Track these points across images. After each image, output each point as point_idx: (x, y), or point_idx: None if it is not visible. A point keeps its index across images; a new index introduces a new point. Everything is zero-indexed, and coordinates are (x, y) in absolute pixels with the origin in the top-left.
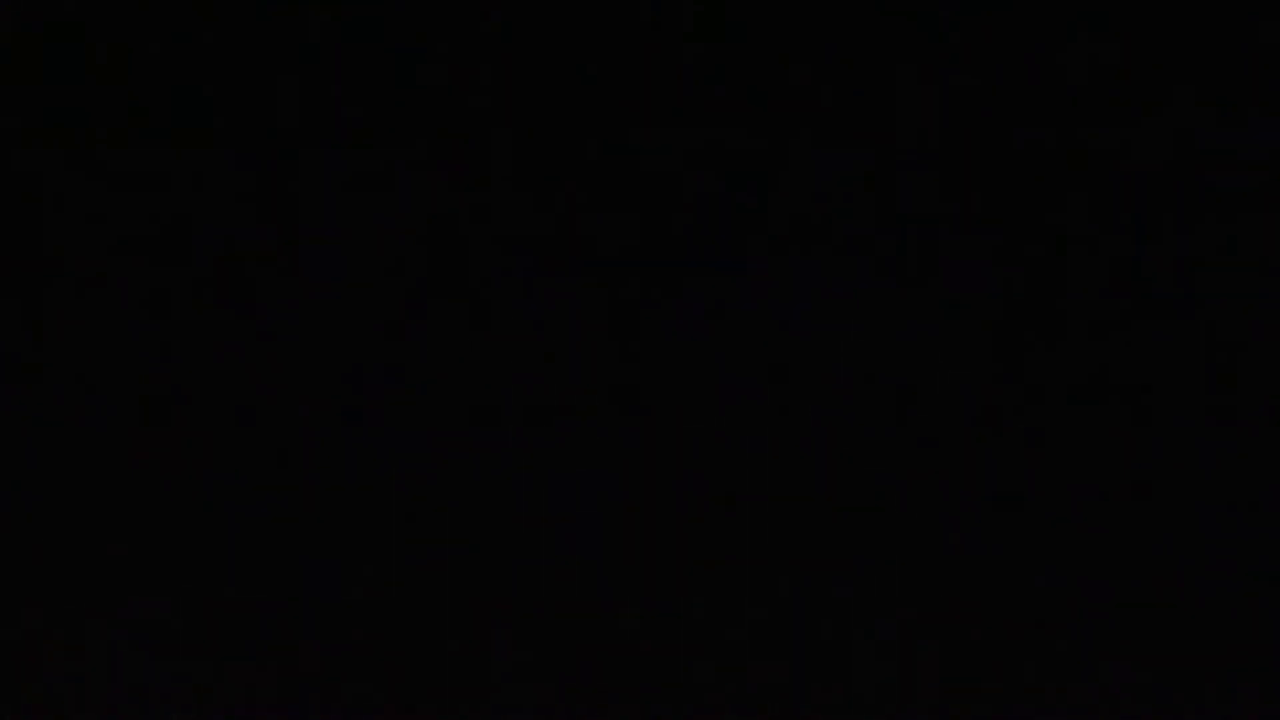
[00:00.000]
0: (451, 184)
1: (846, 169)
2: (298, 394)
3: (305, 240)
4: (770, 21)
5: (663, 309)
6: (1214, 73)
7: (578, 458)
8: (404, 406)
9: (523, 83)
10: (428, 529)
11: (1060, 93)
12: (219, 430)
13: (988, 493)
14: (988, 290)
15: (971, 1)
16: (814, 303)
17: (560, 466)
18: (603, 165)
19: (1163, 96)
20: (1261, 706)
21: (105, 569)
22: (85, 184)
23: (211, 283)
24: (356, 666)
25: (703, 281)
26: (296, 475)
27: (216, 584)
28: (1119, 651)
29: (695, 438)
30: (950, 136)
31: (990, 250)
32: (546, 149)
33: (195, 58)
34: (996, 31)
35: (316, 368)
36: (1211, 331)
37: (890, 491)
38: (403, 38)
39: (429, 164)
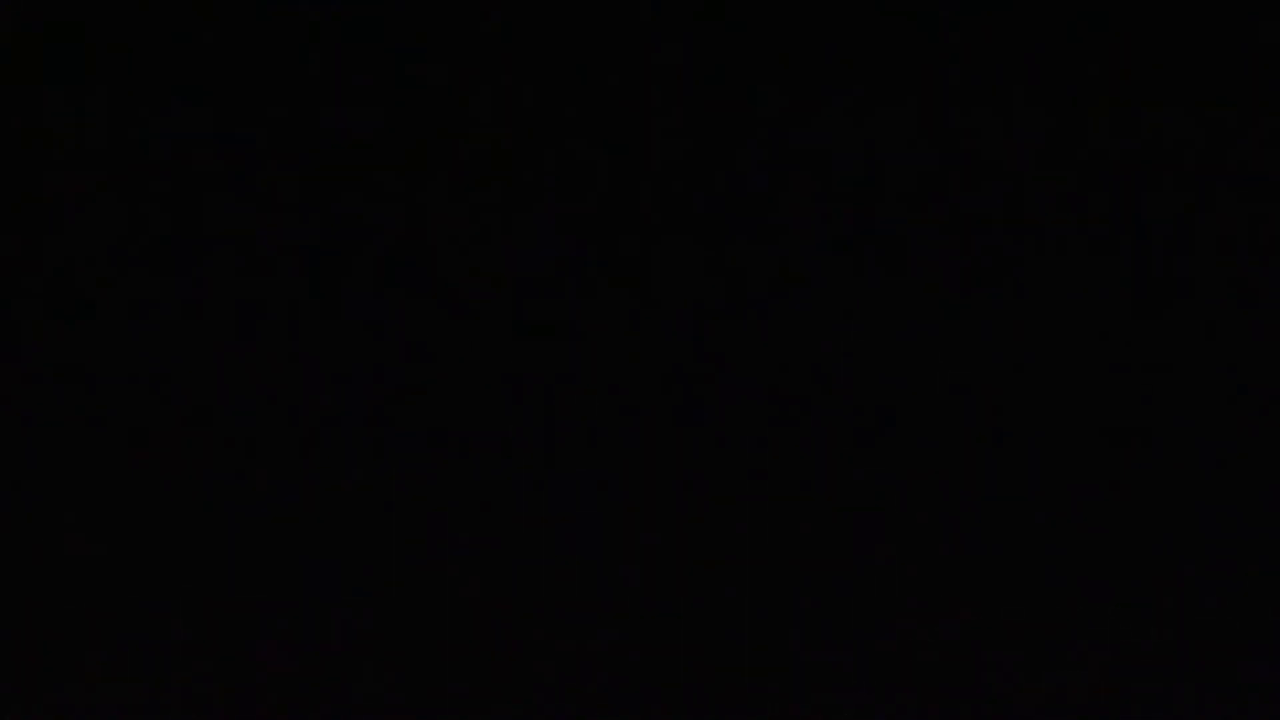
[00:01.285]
0: (448, 184)
1: (844, 168)
2: (296, 393)
3: (303, 237)
4: (769, 20)
5: (662, 309)
6: (1214, 73)
7: (578, 459)
8: (399, 408)
9: (519, 83)
10: (427, 531)
11: (1059, 92)
12: (218, 429)
13: (988, 493)
14: (986, 291)
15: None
16: (813, 303)
17: (560, 468)
18: (600, 166)
19: (1164, 97)
20: (1261, 706)
21: (105, 569)
22: (85, 184)
23: (211, 282)
24: (355, 667)
25: (701, 282)
26: (295, 478)
27: (216, 585)
28: (1117, 652)
29: (695, 438)
30: (947, 135)
31: (988, 252)
32: (540, 150)
33: (195, 57)
34: (994, 31)
35: (315, 367)
36: (1210, 332)
37: (890, 492)
38: (404, 38)
39: (425, 164)
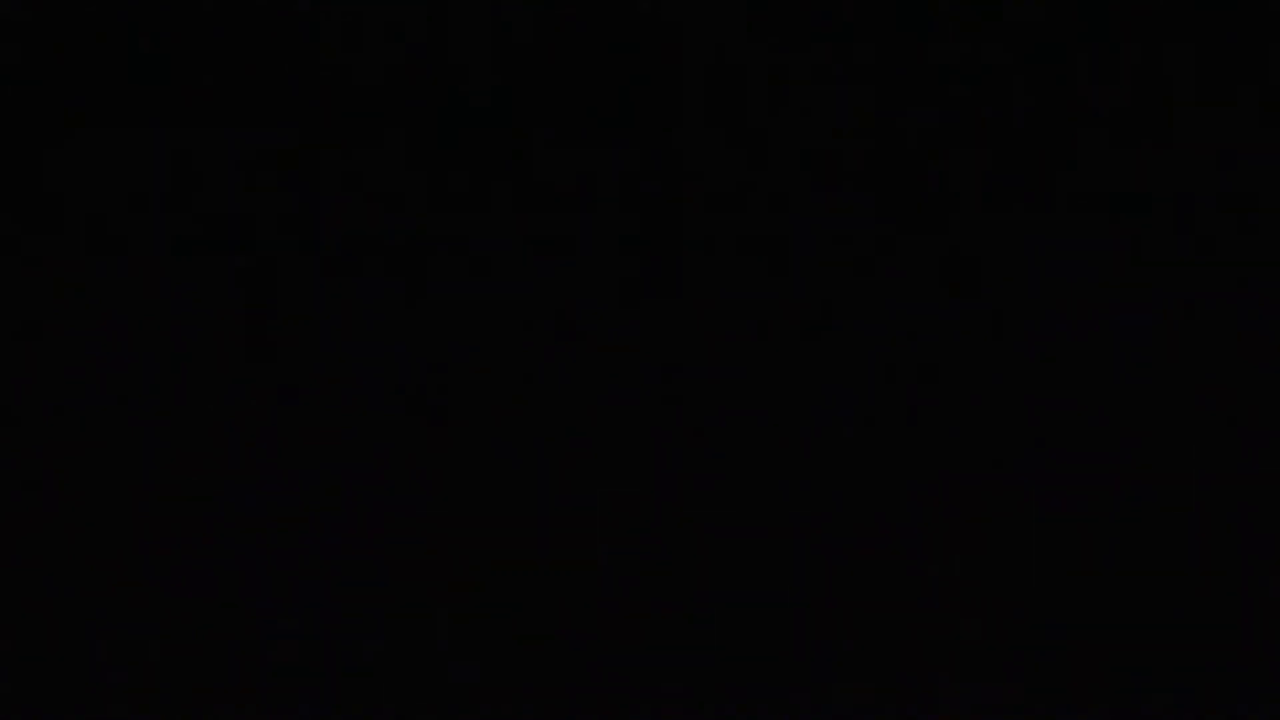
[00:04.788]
0: (444, 180)
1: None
2: (295, 390)
3: (301, 231)
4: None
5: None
6: (1215, 73)
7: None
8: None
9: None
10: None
11: (1058, 91)
12: (216, 426)
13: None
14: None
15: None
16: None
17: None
18: (595, 165)
19: (1164, 100)
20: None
21: (104, 569)
22: (84, 180)
23: (208, 278)
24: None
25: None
26: (295, 477)
27: (216, 585)
28: (1119, 654)
29: (692, 437)
30: (948, 134)
31: (984, 251)
32: (535, 146)
33: (193, 51)
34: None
35: (314, 365)
36: (1210, 334)
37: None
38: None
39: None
